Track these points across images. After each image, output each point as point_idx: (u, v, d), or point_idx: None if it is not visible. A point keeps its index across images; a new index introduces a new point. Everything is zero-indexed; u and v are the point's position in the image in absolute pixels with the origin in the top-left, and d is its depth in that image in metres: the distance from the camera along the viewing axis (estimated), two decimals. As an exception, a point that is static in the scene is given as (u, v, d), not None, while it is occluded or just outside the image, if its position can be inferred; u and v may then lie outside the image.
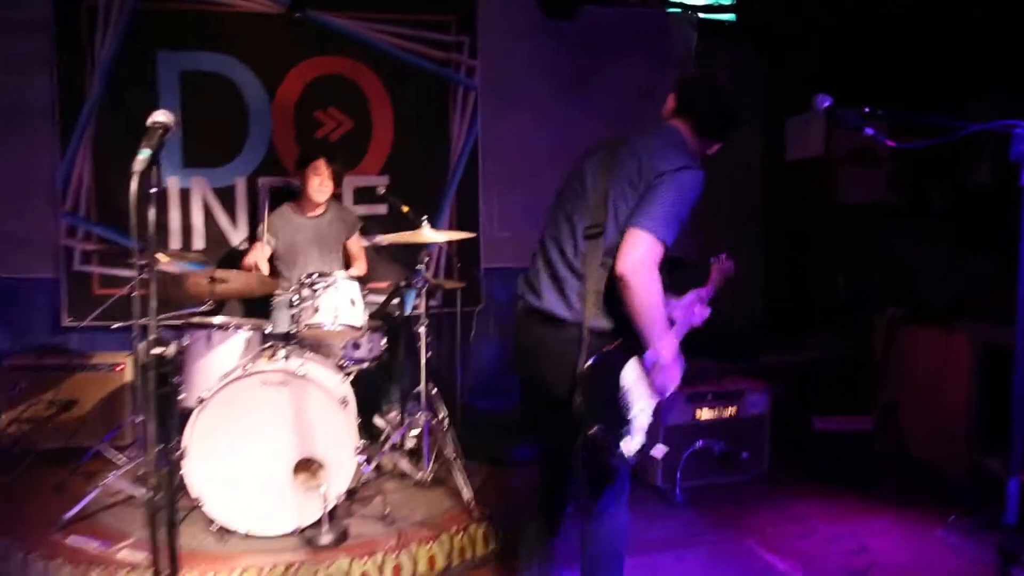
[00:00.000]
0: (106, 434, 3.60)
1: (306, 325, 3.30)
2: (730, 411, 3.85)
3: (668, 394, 2.16)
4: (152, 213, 1.55)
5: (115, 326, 3.75)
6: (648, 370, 2.13)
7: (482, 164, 4.87)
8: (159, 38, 4.27)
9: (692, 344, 4.63)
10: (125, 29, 4.22)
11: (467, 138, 4.83)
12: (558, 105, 4.94)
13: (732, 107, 2.25)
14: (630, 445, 2.10)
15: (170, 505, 1.60)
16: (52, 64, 4.15)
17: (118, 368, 3.96)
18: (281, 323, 3.67)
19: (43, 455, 3.72)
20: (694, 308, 2.41)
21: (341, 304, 3.31)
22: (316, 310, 3.30)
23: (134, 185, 1.47)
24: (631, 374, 2.12)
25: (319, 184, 3.95)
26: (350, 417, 3.14)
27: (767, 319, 5.29)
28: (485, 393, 5.02)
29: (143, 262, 1.61)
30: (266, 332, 3.42)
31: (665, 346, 2.06)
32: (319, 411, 3.07)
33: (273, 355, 3.19)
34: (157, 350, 1.57)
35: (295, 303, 3.34)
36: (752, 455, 3.85)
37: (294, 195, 4.20)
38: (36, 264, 4.25)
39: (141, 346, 1.56)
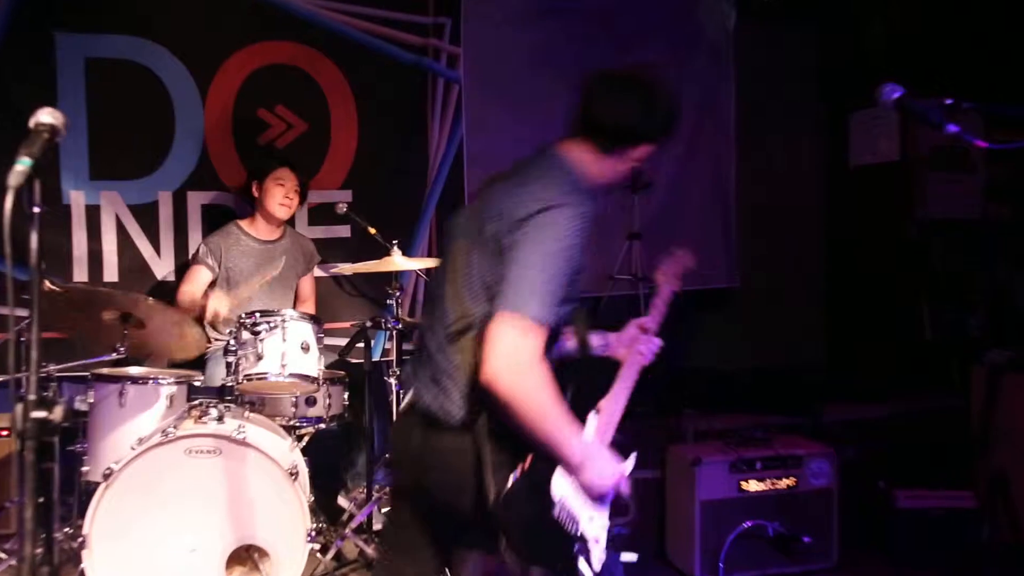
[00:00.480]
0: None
1: (246, 376, 3.26)
2: (786, 482, 3.78)
3: (610, 494, 2.04)
4: (34, 239, 1.48)
5: (-3, 380, 3.63)
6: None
7: (467, 175, 4.88)
8: (58, 16, 4.22)
9: (733, 395, 4.54)
10: (13, 3, 4.18)
11: (449, 143, 4.85)
12: (562, 102, 4.89)
13: (647, 109, 2.07)
14: (590, 564, 2.01)
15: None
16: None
17: (3, 434, 3.83)
18: (215, 375, 3.60)
19: None
20: (638, 345, 2.32)
21: (291, 350, 3.28)
22: (259, 358, 3.26)
23: (8, 203, 1.44)
24: (563, 482, 1.98)
25: (283, 197, 3.97)
26: (301, 493, 3.09)
27: (830, 364, 5.23)
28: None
29: (25, 298, 1.53)
30: (194, 385, 3.38)
31: (572, 453, 1.92)
32: (261, 486, 3.01)
33: (203, 415, 3.15)
34: (39, 413, 1.47)
35: (232, 349, 3.29)
36: (816, 539, 3.76)
37: (239, 214, 4.15)
38: None
39: (18, 408, 1.47)
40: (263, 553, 2.99)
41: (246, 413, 3.28)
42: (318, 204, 4.53)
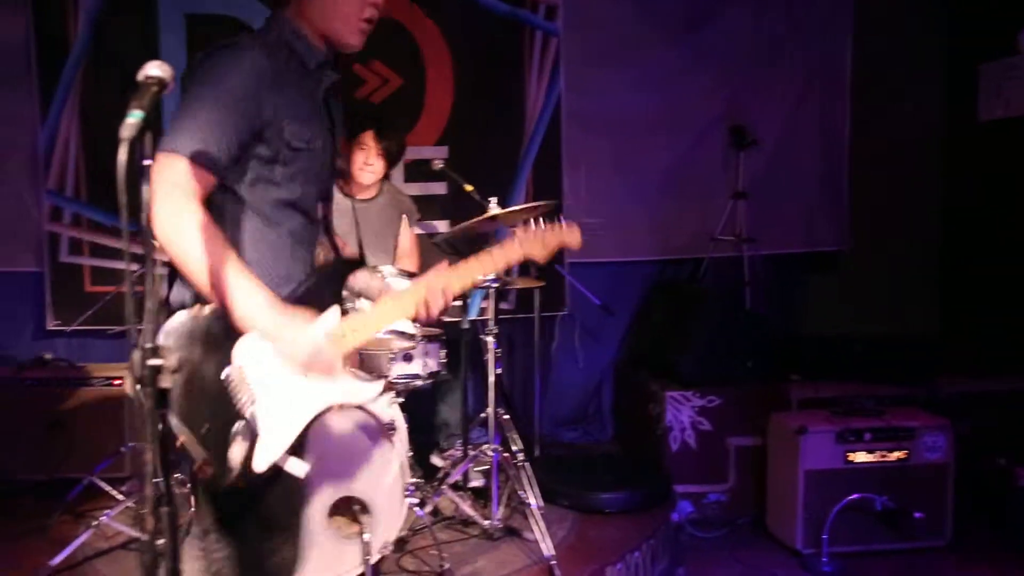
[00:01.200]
0: (100, 463, 3.69)
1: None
2: (898, 455, 3.73)
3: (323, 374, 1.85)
4: (146, 190, 1.55)
5: (112, 331, 3.80)
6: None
7: (565, 131, 4.87)
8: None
9: (841, 363, 4.40)
10: (116, -40, 4.37)
11: (547, 98, 4.83)
12: (667, 55, 4.89)
13: None
14: (248, 452, 1.77)
15: (173, 553, 1.57)
16: (26, 6, 4.28)
17: (116, 382, 4.05)
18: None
19: (23, 489, 3.86)
20: (429, 291, 1.98)
21: None
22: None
23: (122, 155, 1.47)
24: (251, 348, 1.80)
25: (364, 162, 3.96)
26: (399, 447, 3.16)
27: (946, 333, 5.03)
28: (570, 420, 4.96)
29: (138, 251, 1.58)
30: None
31: (235, 302, 1.74)
32: (361, 440, 3.08)
33: (304, 369, 3.19)
34: (154, 361, 1.52)
35: (332, 303, 3.30)
36: (929, 515, 3.71)
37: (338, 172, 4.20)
38: (14, 255, 4.43)
39: (135, 355, 1.52)
40: (363, 506, 3.06)
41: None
42: (414, 160, 4.58)
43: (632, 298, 5.02)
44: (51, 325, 4.37)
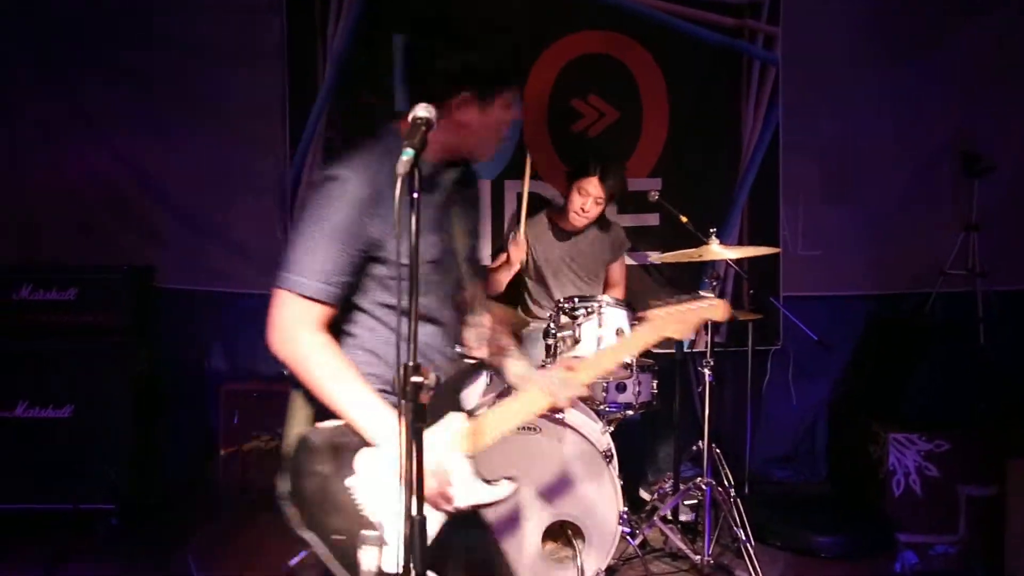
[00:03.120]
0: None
1: (564, 359, 3.41)
2: None
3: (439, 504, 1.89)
4: (414, 220, 1.68)
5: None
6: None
7: (783, 163, 4.81)
8: (395, 20, 4.70)
9: None
10: (360, 11, 4.73)
11: (763, 129, 4.80)
12: (893, 81, 4.73)
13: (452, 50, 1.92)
14: (376, 560, 1.79)
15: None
16: (282, 52, 4.70)
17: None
18: (533, 355, 3.81)
19: (265, 495, 4.15)
20: (556, 388, 2.08)
21: (606, 335, 3.42)
22: (576, 341, 3.43)
23: (398, 189, 1.62)
24: (372, 459, 1.88)
25: (581, 207, 4.01)
26: (614, 475, 3.23)
27: None
28: (781, 458, 4.84)
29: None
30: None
31: (364, 428, 1.87)
32: (579, 465, 3.20)
33: (523, 393, 3.32)
34: (416, 378, 1.65)
35: (552, 332, 3.50)
36: None
37: (549, 203, 4.35)
38: (259, 278, 4.79)
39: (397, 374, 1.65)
40: (577, 530, 3.17)
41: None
42: (628, 192, 4.64)
43: (850, 334, 4.85)
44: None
